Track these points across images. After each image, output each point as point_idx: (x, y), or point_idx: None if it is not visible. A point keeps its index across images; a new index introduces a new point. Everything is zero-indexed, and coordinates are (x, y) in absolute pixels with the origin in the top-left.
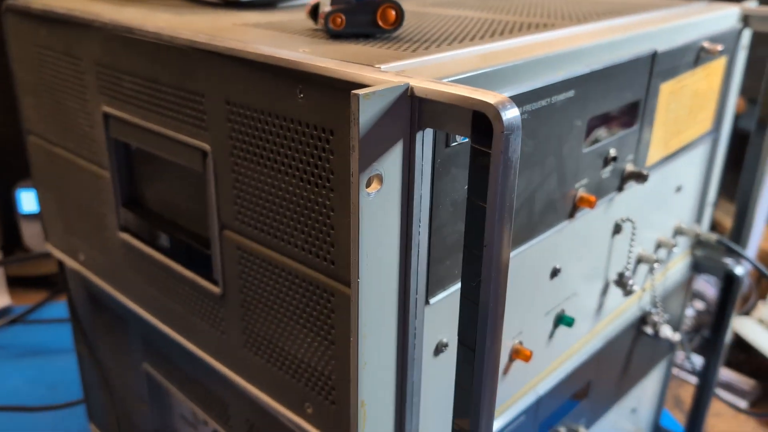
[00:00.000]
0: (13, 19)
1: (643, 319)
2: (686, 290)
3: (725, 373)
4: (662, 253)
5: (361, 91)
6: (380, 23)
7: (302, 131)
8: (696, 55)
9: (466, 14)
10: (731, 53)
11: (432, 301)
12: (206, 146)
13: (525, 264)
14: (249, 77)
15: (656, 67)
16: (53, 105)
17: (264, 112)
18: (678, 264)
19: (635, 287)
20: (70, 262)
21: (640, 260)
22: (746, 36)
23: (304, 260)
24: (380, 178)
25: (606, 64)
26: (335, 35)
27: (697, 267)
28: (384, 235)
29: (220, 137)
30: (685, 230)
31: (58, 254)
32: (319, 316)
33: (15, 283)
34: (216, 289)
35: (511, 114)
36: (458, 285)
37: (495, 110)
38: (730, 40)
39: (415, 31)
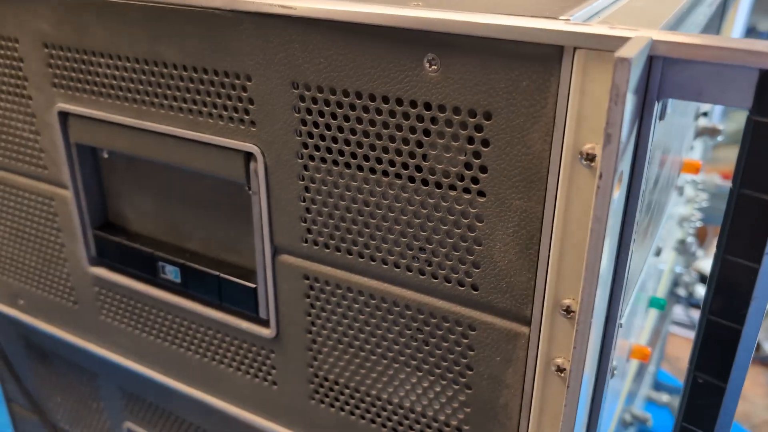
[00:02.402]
0: None
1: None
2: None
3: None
4: None
5: (629, 52)
6: None
7: (431, 117)
8: None
9: None
10: None
11: (623, 321)
12: (253, 147)
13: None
14: (335, 48)
15: None
16: None
17: (362, 95)
18: None
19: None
20: (2, 308)
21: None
22: None
23: (423, 287)
24: (621, 177)
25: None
26: None
27: None
28: (610, 252)
29: (279, 134)
30: None
31: None
32: (446, 356)
33: None
34: (265, 331)
35: None
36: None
37: None
38: None
39: None
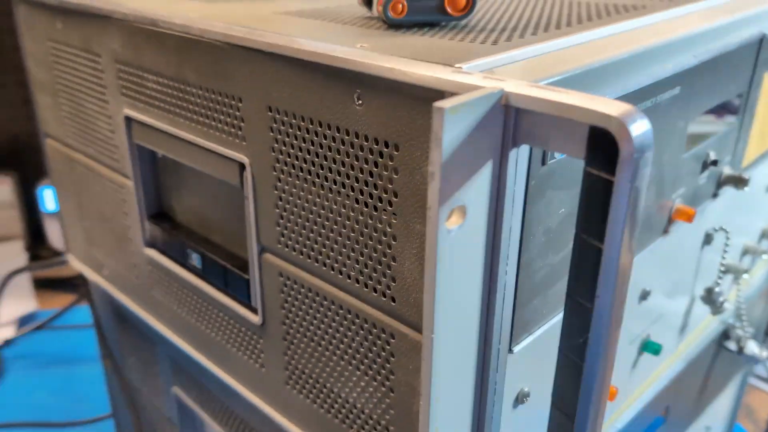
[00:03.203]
0: (26, 10)
1: (725, 334)
2: None
3: None
4: (746, 260)
5: (445, 103)
6: (448, 9)
7: (359, 145)
8: None
9: None
10: None
11: (516, 349)
12: (244, 158)
13: None
14: (295, 79)
15: (763, 54)
16: (71, 106)
17: (314, 121)
18: (763, 269)
19: (726, 304)
20: (93, 276)
21: (726, 271)
22: None
23: (359, 294)
24: (463, 211)
25: (714, 53)
26: (394, 24)
27: None
28: (465, 278)
29: (260, 149)
30: None
31: (80, 267)
32: (376, 359)
33: (41, 286)
34: (255, 318)
35: (640, 129)
36: (545, 326)
37: (621, 125)
38: None
39: (483, 17)
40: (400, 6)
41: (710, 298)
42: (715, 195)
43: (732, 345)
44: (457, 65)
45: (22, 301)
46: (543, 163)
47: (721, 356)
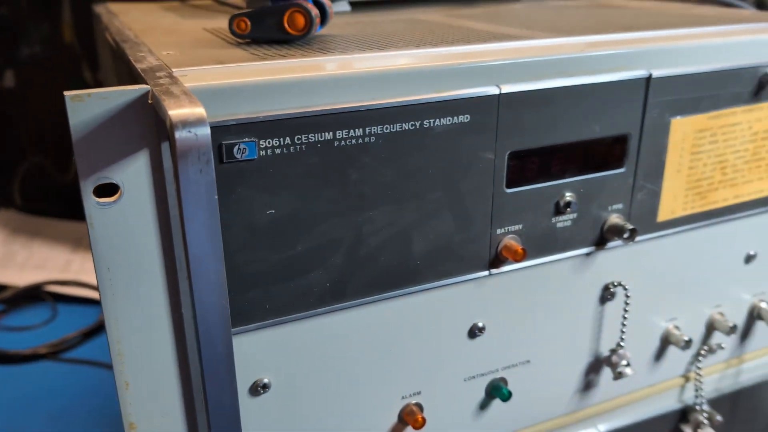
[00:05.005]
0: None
1: (684, 415)
2: None
3: None
4: (722, 337)
5: (72, 93)
6: (288, 29)
7: None
8: (756, 85)
9: (437, 20)
10: None
11: (243, 337)
12: None
13: (418, 313)
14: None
15: (655, 96)
16: None
17: None
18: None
19: (627, 370)
20: None
21: (667, 340)
22: None
23: None
24: (117, 188)
25: (539, 85)
26: (245, 40)
27: None
28: (133, 250)
29: None
30: (764, 313)
31: None
32: None
33: None
34: None
35: (183, 134)
36: (288, 323)
37: (171, 124)
38: None
39: (344, 37)
40: (243, 24)
41: (610, 360)
42: (600, 244)
43: (688, 429)
44: (168, 71)
45: None
46: (221, 161)
47: None
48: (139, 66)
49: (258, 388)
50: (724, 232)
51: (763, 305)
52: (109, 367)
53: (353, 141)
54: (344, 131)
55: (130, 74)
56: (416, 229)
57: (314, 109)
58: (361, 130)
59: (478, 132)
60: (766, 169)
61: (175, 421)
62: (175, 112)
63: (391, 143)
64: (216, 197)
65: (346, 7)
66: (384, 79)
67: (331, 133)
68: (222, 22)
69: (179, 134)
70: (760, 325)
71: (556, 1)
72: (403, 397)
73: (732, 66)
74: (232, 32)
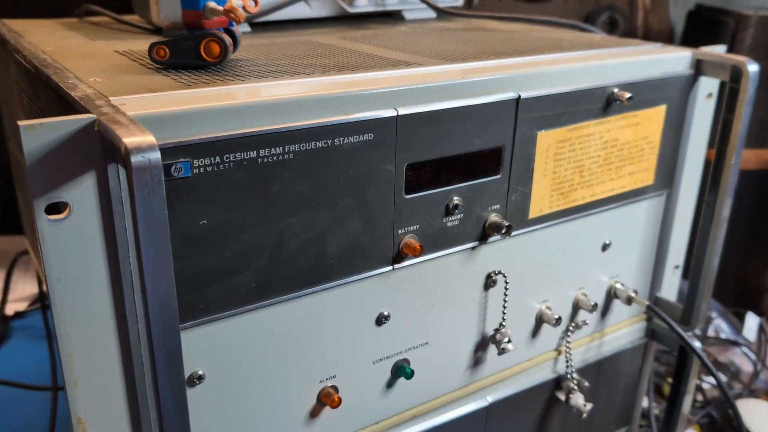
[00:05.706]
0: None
1: (557, 383)
2: (643, 359)
3: None
4: (586, 315)
5: (24, 123)
6: (204, 56)
7: None
8: (605, 102)
9: (340, 45)
10: (676, 101)
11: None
12: None
13: (332, 306)
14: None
15: (524, 114)
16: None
17: None
18: (623, 329)
19: (509, 346)
20: None
21: (541, 319)
22: (708, 84)
23: None
24: (66, 206)
25: (429, 108)
26: (165, 66)
27: (653, 335)
28: (81, 261)
29: None
30: (619, 292)
31: None
32: None
33: None
34: None
35: (137, 158)
36: (222, 321)
37: (126, 151)
38: (672, 88)
39: (255, 62)
40: (162, 51)
41: (494, 338)
42: (483, 239)
43: (561, 395)
44: (106, 99)
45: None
46: (168, 177)
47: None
48: (74, 94)
49: (194, 380)
50: (583, 225)
51: (618, 285)
52: (19, 386)
53: (274, 158)
54: (266, 150)
55: (60, 100)
56: (329, 232)
57: (240, 131)
58: (280, 148)
59: (380, 148)
60: (616, 172)
61: (119, 413)
62: (129, 140)
63: (307, 159)
64: (166, 212)
65: (247, 28)
66: (299, 104)
67: (255, 152)
68: (130, 44)
69: (135, 159)
70: (616, 303)
71: (435, 23)
72: (320, 381)
73: (585, 87)
74: (152, 59)
